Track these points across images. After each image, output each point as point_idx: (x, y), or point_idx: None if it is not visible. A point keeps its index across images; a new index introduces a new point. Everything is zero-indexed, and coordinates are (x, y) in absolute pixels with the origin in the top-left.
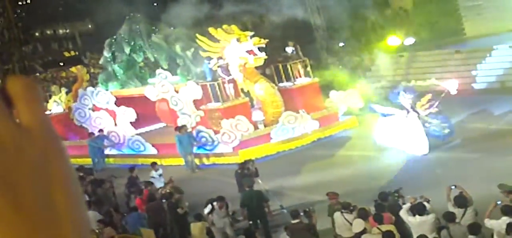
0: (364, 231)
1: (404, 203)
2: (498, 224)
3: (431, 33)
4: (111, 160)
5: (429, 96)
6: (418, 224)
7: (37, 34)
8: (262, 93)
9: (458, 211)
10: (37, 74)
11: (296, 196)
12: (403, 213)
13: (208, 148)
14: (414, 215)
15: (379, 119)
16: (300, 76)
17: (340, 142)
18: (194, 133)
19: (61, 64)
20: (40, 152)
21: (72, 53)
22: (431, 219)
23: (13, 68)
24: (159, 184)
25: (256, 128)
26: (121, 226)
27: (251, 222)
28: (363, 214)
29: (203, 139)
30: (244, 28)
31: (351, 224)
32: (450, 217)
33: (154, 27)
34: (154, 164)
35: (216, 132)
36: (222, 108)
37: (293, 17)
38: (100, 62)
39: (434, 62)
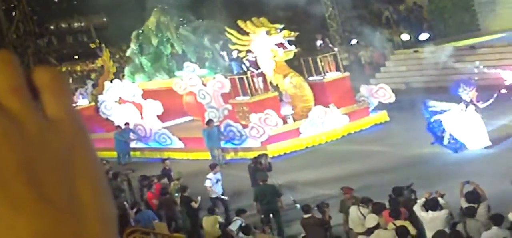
0: (377, 226)
1: (416, 198)
2: None
3: (446, 29)
4: (137, 153)
5: (475, 93)
6: (430, 219)
7: (52, 27)
8: (292, 87)
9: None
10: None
11: (312, 191)
12: (416, 208)
13: (236, 142)
14: (426, 211)
15: (433, 115)
16: (330, 70)
17: (370, 136)
18: (222, 127)
19: (76, 57)
20: (66, 144)
21: (95, 44)
22: (444, 214)
23: (27, 62)
24: (217, 189)
25: (285, 122)
26: (134, 220)
27: (262, 216)
28: (377, 209)
29: (231, 133)
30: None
31: (365, 218)
32: (470, 211)
33: (182, 19)
34: (213, 165)
35: (244, 126)
36: (250, 102)
37: (306, 11)
38: (127, 54)
39: (449, 57)
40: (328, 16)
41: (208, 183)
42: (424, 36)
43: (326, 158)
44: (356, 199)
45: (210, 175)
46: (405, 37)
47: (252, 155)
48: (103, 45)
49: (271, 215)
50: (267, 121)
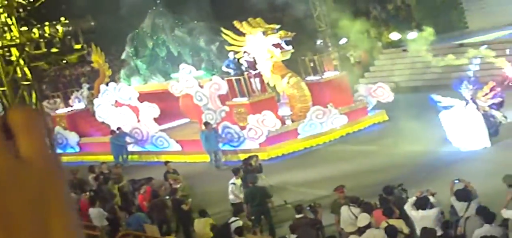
0: (369, 226)
1: (407, 197)
2: None
3: (434, 27)
4: (135, 157)
5: (492, 83)
6: (420, 218)
7: (40, 32)
8: (290, 87)
9: (461, 205)
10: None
11: (305, 192)
12: (407, 207)
13: (234, 144)
14: (417, 209)
15: (440, 112)
16: (328, 70)
17: (369, 136)
18: (220, 129)
19: (64, 62)
20: (38, 183)
21: (81, 46)
22: (434, 213)
23: (15, 68)
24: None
25: (283, 123)
26: (126, 223)
27: (253, 218)
28: (368, 208)
29: (229, 135)
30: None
31: (356, 218)
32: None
33: (177, 21)
34: (236, 170)
35: (242, 128)
36: (248, 104)
37: (294, 11)
38: (123, 57)
39: (437, 56)
40: (317, 16)
41: (231, 188)
42: (412, 35)
43: (321, 159)
44: (347, 199)
45: (233, 180)
46: (394, 36)
47: None
48: (97, 48)
49: (262, 216)
50: (265, 122)
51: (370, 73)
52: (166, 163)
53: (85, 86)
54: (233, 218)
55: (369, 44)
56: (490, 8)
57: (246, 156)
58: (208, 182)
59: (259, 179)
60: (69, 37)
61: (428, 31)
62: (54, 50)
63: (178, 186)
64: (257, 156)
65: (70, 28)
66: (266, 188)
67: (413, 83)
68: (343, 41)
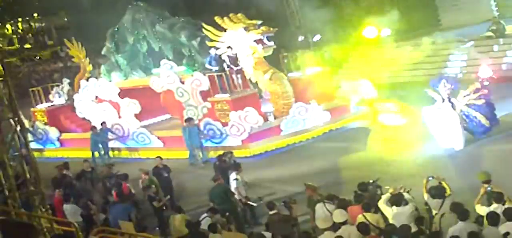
0: (344, 222)
1: (382, 193)
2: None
3: (407, 25)
4: (115, 153)
5: (477, 85)
6: (394, 215)
7: (13, 28)
8: (272, 84)
9: (435, 202)
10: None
11: (280, 188)
12: (381, 204)
13: (216, 140)
14: (391, 206)
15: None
16: (310, 66)
17: (352, 134)
18: (202, 126)
19: (38, 58)
20: None
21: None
22: (409, 209)
23: None
24: (243, 191)
25: (266, 120)
26: (98, 220)
27: (227, 214)
28: (343, 205)
29: (211, 132)
30: None
31: (331, 214)
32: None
33: (158, 16)
34: (237, 165)
35: (224, 124)
36: (230, 100)
37: (267, 9)
38: (103, 52)
39: (410, 53)
40: (290, 14)
41: (234, 185)
42: (386, 32)
43: (302, 156)
44: (322, 196)
45: (233, 175)
46: (367, 33)
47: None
48: (78, 43)
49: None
50: (247, 118)
51: (343, 70)
52: (158, 157)
53: (66, 81)
54: (204, 215)
55: (342, 41)
56: (463, 5)
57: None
58: (189, 178)
59: (234, 175)
60: (42, 33)
61: (402, 28)
62: (27, 46)
63: (140, 182)
64: (231, 153)
65: (43, 25)
66: (226, 187)
67: (388, 80)
68: (316, 38)
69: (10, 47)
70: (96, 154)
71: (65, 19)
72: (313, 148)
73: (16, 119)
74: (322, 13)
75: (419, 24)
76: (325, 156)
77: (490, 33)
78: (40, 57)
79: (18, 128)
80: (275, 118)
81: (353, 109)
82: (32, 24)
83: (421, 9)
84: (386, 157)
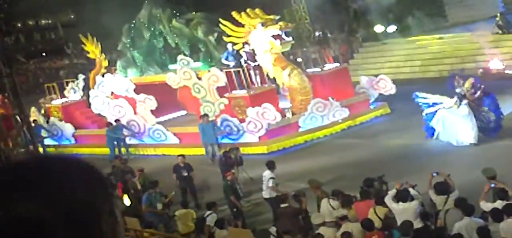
0: (345, 218)
1: (387, 189)
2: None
3: (413, 20)
4: (131, 150)
5: (471, 80)
6: (400, 211)
7: (19, 25)
8: (290, 80)
9: (440, 199)
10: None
11: (290, 185)
12: (387, 199)
13: (233, 137)
14: (397, 202)
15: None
16: (329, 62)
17: (370, 130)
18: (218, 122)
19: (44, 54)
20: None
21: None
22: (414, 205)
23: None
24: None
25: (283, 116)
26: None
27: (235, 210)
28: (346, 201)
29: (228, 128)
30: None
31: (334, 210)
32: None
33: (175, 11)
34: (271, 163)
35: (241, 121)
36: (247, 96)
37: (272, 5)
38: (119, 48)
39: (418, 48)
40: (296, 10)
41: (271, 183)
42: (392, 28)
43: (319, 152)
44: (325, 192)
45: (267, 173)
46: (378, 28)
47: (250, 150)
48: (94, 38)
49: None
50: (265, 115)
51: (349, 66)
52: (180, 156)
53: (81, 77)
54: (208, 212)
55: (348, 37)
56: (469, 2)
57: (246, 149)
58: (205, 175)
59: (240, 172)
60: (48, 30)
61: (408, 24)
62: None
63: (135, 179)
64: (238, 148)
65: (50, 22)
66: (225, 184)
67: (393, 77)
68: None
69: (16, 45)
70: (116, 150)
71: (72, 16)
72: (331, 144)
73: (22, 115)
74: (327, 9)
75: (426, 20)
76: (342, 152)
77: (497, 29)
78: (46, 54)
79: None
80: (293, 114)
81: (372, 105)
82: (38, 21)
83: (427, 5)
84: (405, 151)
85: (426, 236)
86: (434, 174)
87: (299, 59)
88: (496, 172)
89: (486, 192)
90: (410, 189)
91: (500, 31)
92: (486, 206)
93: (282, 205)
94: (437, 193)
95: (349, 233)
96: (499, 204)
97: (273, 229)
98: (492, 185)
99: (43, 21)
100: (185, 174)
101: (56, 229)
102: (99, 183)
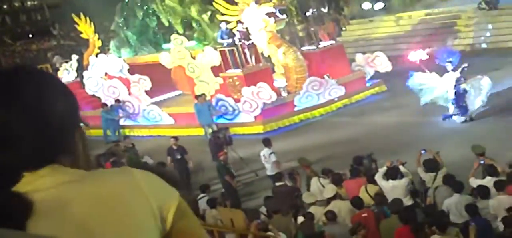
0: (334, 197)
1: (377, 167)
2: (483, 183)
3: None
4: (126, 131)
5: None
6: (390, 188)
7: (5, 6)
8: (285, 58)
9: (429, 176)
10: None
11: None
12: (377, 177)
13: (228, 117)
14: (387, 180)
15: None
16: (324, 39)
17: (367, 107)
18: (213, 102)
19: (30, 36)
20: None
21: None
22: (404, 183)
23: None
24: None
25: (279, 95)
26: None
27: (223, 191)
28: (337, 179)
29: (223, 108)
30: None
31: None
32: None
33: None
34: (267, 140)
35: (236, 100)
36: (242, 75)
37: None
38: (112, 28)
39: (405, 25)
40: None
41: (273, 158)
42: (379, 6)
43: (316, 131)
44: (315, 172)
45: (266, 150)
46: (365, 5)
47: (245, 130)
48: (86, 18)
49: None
50: (260, 94)
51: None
52: (173, 137)
53: (74, 57)
54: (201, 194)
55: (335, 15)
56: None
57: (241, 129)
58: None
59: (229, 151)
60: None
61: (395, 1)
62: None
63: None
64: (227, 129)
65: (36, 3)
66: (218, 164)
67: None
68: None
69: (2, 27)
70: (108, 132)
71: None
72: (327, 123)
73: None
74: None
75: None
76: (338, 130)
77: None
78: (33, 36)
79: None
80: (288, 93)
81: (368, 83)
82: (24, 2)
83: None
84: (399, 128)
85: (416, 213)
86: (423, 152)
87: (286, 38)
88: (485, 149)
89: (475, 169)
90: (400, 167)
91: (486, 7)
92: (475, 182)
93: (277, 183)
94: (426, 170)
95: (333, 211)
96: (488, 180)
97: (263, 209)
98: (481, 162)
99: (29, 3)
100: (179, 156)
101: (23, 138)
102: (73, 98)
